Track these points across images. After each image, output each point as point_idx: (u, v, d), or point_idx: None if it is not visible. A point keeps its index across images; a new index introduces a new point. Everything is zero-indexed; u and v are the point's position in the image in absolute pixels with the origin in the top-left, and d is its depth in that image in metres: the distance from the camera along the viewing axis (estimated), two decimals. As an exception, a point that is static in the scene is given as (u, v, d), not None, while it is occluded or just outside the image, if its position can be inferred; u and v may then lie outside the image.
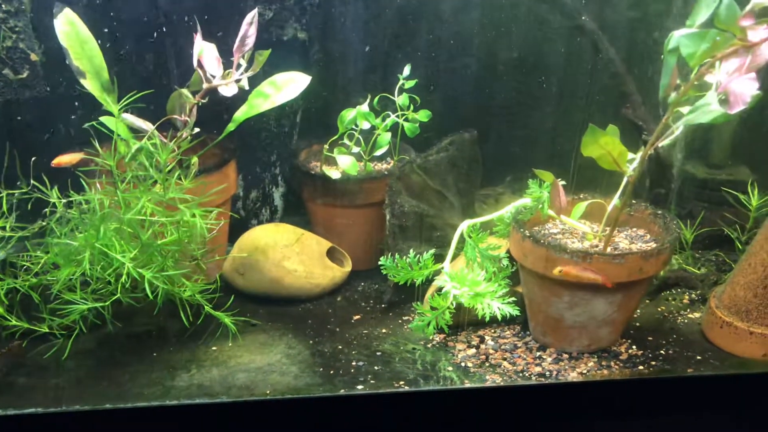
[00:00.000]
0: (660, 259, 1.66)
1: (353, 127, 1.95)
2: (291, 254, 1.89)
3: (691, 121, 1.44)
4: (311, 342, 1.78)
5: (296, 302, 1.93)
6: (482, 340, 1.81)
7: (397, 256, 1.68)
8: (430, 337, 1.81)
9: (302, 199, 2.06)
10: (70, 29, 1.73)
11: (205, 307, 1.66)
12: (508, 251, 1.77)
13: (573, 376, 1.71)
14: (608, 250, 1.68)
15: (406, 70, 1.91)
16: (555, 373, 1.67)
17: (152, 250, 1.57)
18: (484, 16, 2.03)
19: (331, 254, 1.98)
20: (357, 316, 1.90)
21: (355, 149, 1.95)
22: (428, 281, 1.83)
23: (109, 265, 1.55)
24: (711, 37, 1.26)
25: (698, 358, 1.80)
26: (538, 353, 1.76)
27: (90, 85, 1.79)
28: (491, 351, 1.76)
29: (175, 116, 1.80)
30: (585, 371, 1.74)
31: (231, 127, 1.85)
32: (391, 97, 1.93)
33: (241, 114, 1.90)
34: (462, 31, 2.06)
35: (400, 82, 1.92)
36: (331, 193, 1.95)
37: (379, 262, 1.68)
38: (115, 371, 1.68)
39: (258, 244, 1.89)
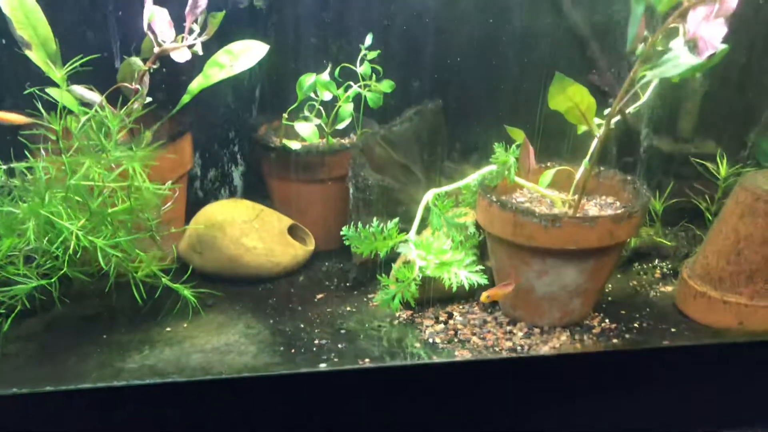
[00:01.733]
0: (631, 224, 1.61)
1: (313, 96, 1.88)
2: (250, 231, 1.83)
3: (659, 75, 1.39)
4: (272, 321, 1.72)
5: (256, 282, 1.87)
6: (450, 315, 1.76)
7: (359, 226, 1.61)
8: (397, 314, 1.76)
9: (262, 176, 2.01)
10: (13, -4, 1.64)
11: (162, 279, 1.56)
12: (475, 221, 1.70)
13: (545, 350, 1.65)
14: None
15: (368, 39, 1.85)
16: (527, 347, 1.63)
17: (102, 218, 1.47)
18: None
19: (293, 233, 1.93)
20: (320, 295, 1.85)
21: (316, 121, 1.90)
22: (394, 257, 1.76)
23: (56, 237, 1.44)
24: (677, -21, 1.22)
25: (672, 330, 1.76)
26: (509, 328, 1.72)
27: (36, 56, 1.70)
28: (460, 326, 1.71)
29: (125, 84, 1.72)
30: (557, 345, 1.68)
31: (186, 98, 1.79)
32: (352, 67, 1.86)
33: (197, 85, 1.83)
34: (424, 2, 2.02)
35: (362, 52, 1.86)
36: (291, 168, 1.89)
37: (341, 232, 1.60)
38: (61, 354, 1.58)
39: (215, 220, 1.82)
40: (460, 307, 1.81)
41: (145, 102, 1.71)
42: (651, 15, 1.39)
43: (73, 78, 1.63)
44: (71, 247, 1.39)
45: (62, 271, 1.46)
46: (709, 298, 1.73)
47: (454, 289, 1.60)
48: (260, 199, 1.96)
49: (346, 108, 1.89)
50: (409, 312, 1.77)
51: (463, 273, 1.57)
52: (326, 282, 1.92)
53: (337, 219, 1.94)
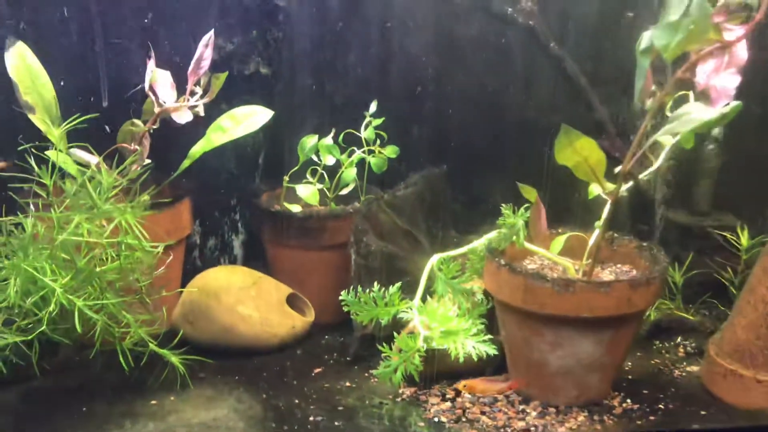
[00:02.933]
0: (650, 290, 1.51)
1: (315, 159, 1.85)
2: (246, 298, 1.77)
3: (670, 132, 1.34)
4: (264, 396, 1.62)
5: (251, 354, 1.78)
6: (458, 392, 1.64)
7: (359, 290, 1.51)
8: (399, 390, 1.65)
9: (263, 243, 1.96)
10: (20, 63, 1.66)
11: (150, 344, 1.46)
12: (483, 288, 1.60)
13: (562, 432, 1.51)
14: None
15: (373, 106, 1.84)
16: (541, 428, 1.51)
17: (89, 277, 1.39)
18: (459, 60, 1.97)
19: (292, 304, 1.85)
20: (318, 369, 1.76)
21: (318, 186, 1.86)
22: (398, 329, 1.65)
23: (40, 298, 1.36)
24: (684, 27, 1.19)
25: (702, 413, 1.61)
26: (521, 406, 1.60)
27: (39, 120, 1.70)
28: (468, 404, 1.60)
29: (123, 145, 1.69)
30: (575, 426, 1.54)
31: (187, 163, 1.78)
32: (356, 133, 1.84)
33: (198, 148, 1.81)
34: (436, 73, 2.02)
35: (367, 119, 1.83)
36: (291, 233, 1.84)
37: (340, 297, 1.50)
38: (33, 428, 1.49)
39: (210, 287, 1.76)
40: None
41: (144, 164, 1.67)
42: (660, 68, 1.34)
43: (71, 135, 1.61)
44: (51, 305, 1.30)
45: (40, 330, 1.37)
46: (741, 377, 1.59)
47: (461, 359, 1.47)
48: (260, 268, 1.90)
49: (350, 173, 1.86)
50: (413, 389, 1.66)
51: (470, 343, 1.46)
52: (325, 355, 1.82)
53: (339, 289, 1.73)
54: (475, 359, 1.48)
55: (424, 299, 1.59)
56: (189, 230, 1.87)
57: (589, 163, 1.35)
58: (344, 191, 1.90)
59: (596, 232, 1.55)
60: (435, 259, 1.63)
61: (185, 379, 1.60)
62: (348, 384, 1.69)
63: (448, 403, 1.61)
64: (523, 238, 1.57)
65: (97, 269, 1.45)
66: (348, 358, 1.79)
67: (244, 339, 1.77)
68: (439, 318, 1.51)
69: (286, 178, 1.86)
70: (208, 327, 1.76)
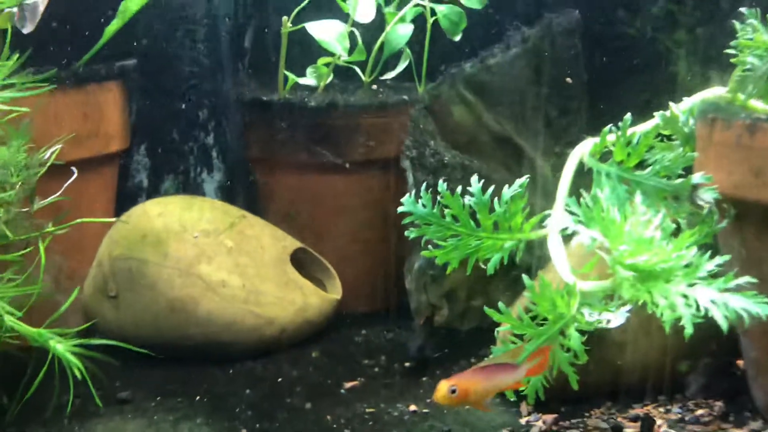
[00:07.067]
0: None
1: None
2: (216, 253, 1.19)
3: None
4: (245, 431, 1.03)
5: (225, 355, 1.21)
6: (645, 422, 0.96)
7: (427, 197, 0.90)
8: (522, 418, 1.01)
9: (248, 164, 1.43)
10: None
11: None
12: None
13: None
14: None
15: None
16: None
17: None
18: None
19: (302, 267, 1.30)
20: (352, 383, 1.16)
21: (344, 56, 1.29)
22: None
23: None
24: None
25: None
26: None
27: None
28: None
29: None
30: None
31: (116, 25, 1.22)
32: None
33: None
34: None
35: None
36: (299, 140, 1.30)
37: (400, 207, 0.88)
38: None
39: (146, 232, 1.18)
40: (660, 407, 1.02)
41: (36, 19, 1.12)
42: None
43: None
44: None
45: None
46: None
47: (688, 331, 0.71)
48: (244, 206, 1.37)
49: (399, 31, 1.28)
50: (550, 416, 1.00)
51: (707, 294, 0.72)
52: (364, 359, 1.22)
53: (384, 244, 1.33)
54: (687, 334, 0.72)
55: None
56: (122, 140, 1.33)
57: None
58: (390, 74, 1.34)
59: None
60: (587, 145, 0.91)
61: (87, 399, 1.02)
62: (412, 408, 1.05)
63: (638, 442, 0.91)
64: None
65: None
66: (408, 363, 1.19)
67: (211, 327, 1.17)
68: (629, 239, 0.76)
69: (288, 22, 1.28)
70: (143, 304, 1.17)
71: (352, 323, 1.36)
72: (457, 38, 1.35)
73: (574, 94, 1.34)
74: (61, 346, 0.92)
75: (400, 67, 1.36)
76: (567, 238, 0.96)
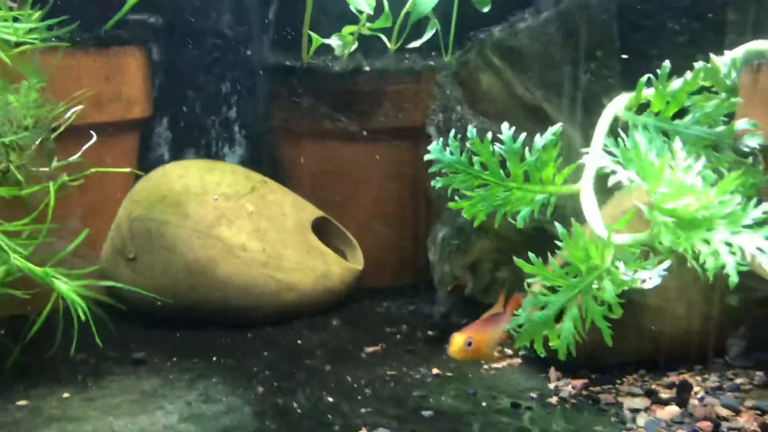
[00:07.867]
0: None
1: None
2: (236, 215, 1.13)
3: None
4: (261, 390, 0.95)
5: (243, 320, 1.14)
6: (683, 388, 0.89)
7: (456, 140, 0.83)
8: (551, 384, 0.94)
9: (270, 133, 1.37)
10: None
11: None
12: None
13: None
14: None
15: None
16: None
17: None
18: None
19: (324, 236, 1.24)
20: (373, 348, 1.08)
21: (370, 13, 1.20)
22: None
23: None
24: None
25: None
26: None
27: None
28: (721, 410, 0.86)
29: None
30: None
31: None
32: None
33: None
34: None
35: None
36: (322, 106, 1.22)
37: (427, 154, 0.82)
38: None
39: (167, 192, 1.13)
40: (698, 374, 0.95)
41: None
42: None
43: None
44: None
45: None
46: None
47: (732, 282, 0.68)
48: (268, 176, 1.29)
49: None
50: (579, 380, 0.93)
51: (754, 240, 0.67)
52: (386, 327, 1.15)
53: (407, 217, 1.27)
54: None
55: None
56: (144, 107, 1.27)
57: None
58: (416, 42, 1.26)
59: None
60: (623, 100, 0.85)
61: (102, 361, 1.01)
62: (435, 371, 0.99)
63: (671, 408, 0.86)
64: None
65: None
66: (430, 332, 1.12)
67: (230, 290, 1.11)
68: (668, 182, 0.70)
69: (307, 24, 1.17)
70: (161, 266, 1.12)
71: (374, 296, 1.28)
72: (486, 9, 1.28)
73: (608, 60, 1.31)
74: (65, 287, 0.85)
75: (428, 34, 1.28)
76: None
